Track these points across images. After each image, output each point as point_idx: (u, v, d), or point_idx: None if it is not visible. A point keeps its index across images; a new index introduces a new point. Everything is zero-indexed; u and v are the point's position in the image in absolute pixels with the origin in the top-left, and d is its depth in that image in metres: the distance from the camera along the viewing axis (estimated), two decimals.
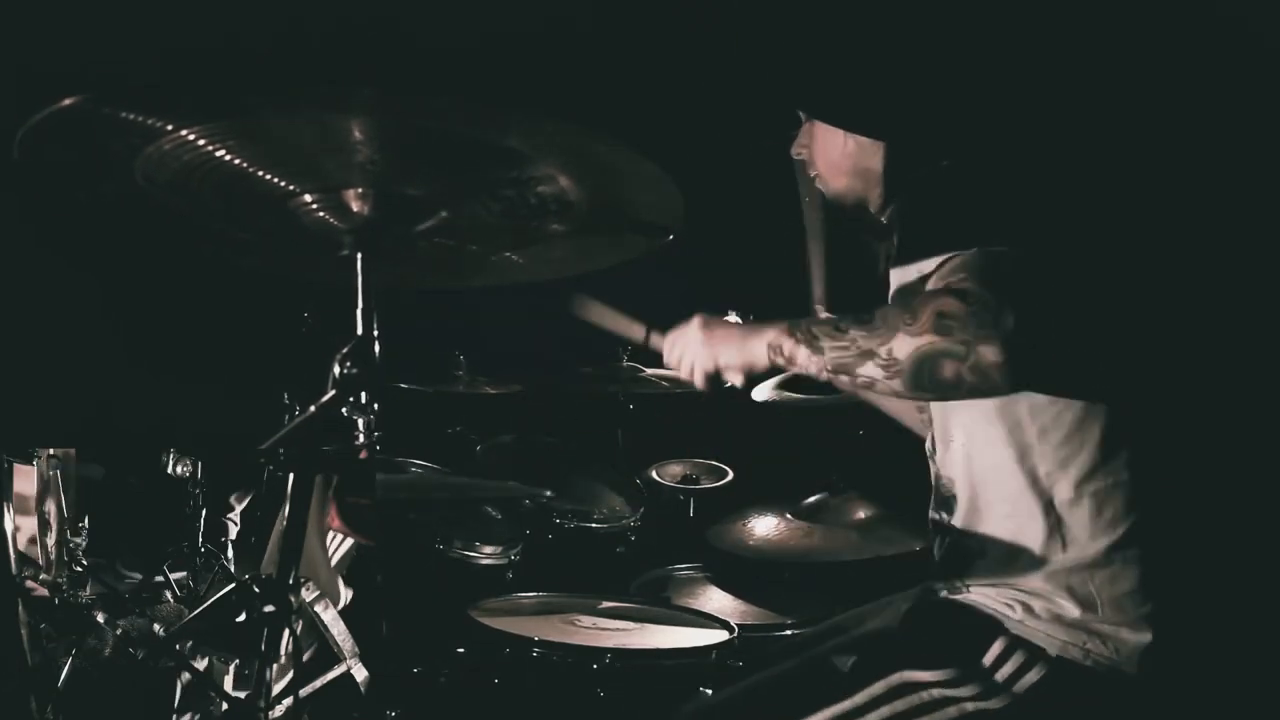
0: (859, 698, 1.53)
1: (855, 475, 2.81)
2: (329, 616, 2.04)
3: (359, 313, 1.34)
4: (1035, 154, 1.68)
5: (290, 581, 1.29)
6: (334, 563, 2.32)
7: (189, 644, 1.92)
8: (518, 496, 2.89)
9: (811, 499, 2.82)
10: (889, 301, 1.59)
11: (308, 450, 1.27)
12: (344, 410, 1.29)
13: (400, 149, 1.25)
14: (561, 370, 3.50)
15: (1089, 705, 1.50)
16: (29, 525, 2.55)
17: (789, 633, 2.44)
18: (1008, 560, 1.56)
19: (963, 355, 1.36)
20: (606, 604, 2.39)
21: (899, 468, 1.92)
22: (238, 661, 2.00)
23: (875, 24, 1.85)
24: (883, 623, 1.76)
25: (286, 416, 3.23)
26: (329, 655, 2.04)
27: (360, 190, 1.31)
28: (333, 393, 1.28)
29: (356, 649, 2.04)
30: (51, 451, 2.66)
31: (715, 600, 2.71)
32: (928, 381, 1.40)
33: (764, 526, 2.76)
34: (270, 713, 1.28)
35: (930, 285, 1.45)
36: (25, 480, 2.55)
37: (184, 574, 3.27)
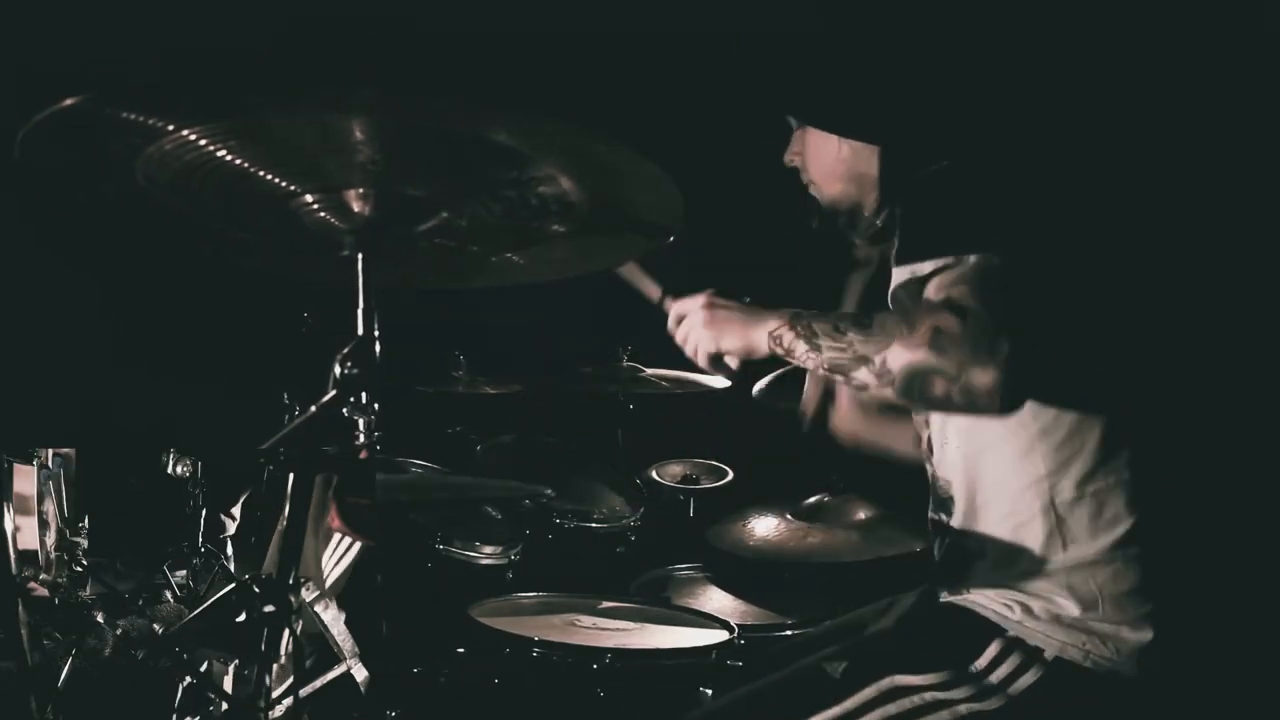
0: (850, 703, 1.52)
1: (855, 475, 2.81)
2: (329, 616, 2.04)
3: (359, 313, 1.34)
4: (1033, 153, 1.68)
5: (290, 581, 1.29)
6: (335, 563, 2.32)
7: (189, 644, 1.92)
8: (518, 495, 2.89)
9: (811, 499, 2.82)
10: (889, 301, 1.59)
11: (308, 450, 1.27)
12: (344, 410, 1.29)
13: (401, 149, 1.25)
14: (561, 370, 3.51)
15: (1087, 706, 1.50)
16: (29, 525, 2.55)
17: (789, 633, 2.44)
18: (1008, 561, 1.56)
19: (954, 376, 1.36)
20: (606, 604, 2.39)
21: (899, 468, 1.92)
22: (238, 662, 2.00)
23: (866, 27, 1.86)
24: (878, 626, 1.76)
25: (286, 416, 3.23)
26: (329, 655, 2.04)
27: (361, 190, 1.30)
28: (333, 393, 1.28)
29: (356, 649, 2.04)
30: (51, 451, 2.66)
31: (715, 600, 2.71)
32: (917, 395, 1.41)
33: (764, 526, 2.76)
34: (270, 713, 1.28)
35: (931, 291, 1.45)
36: (25, 480, 2.55)
37: (184, 574, 3.28)
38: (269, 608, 1.28)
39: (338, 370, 1.28)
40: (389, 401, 1.34)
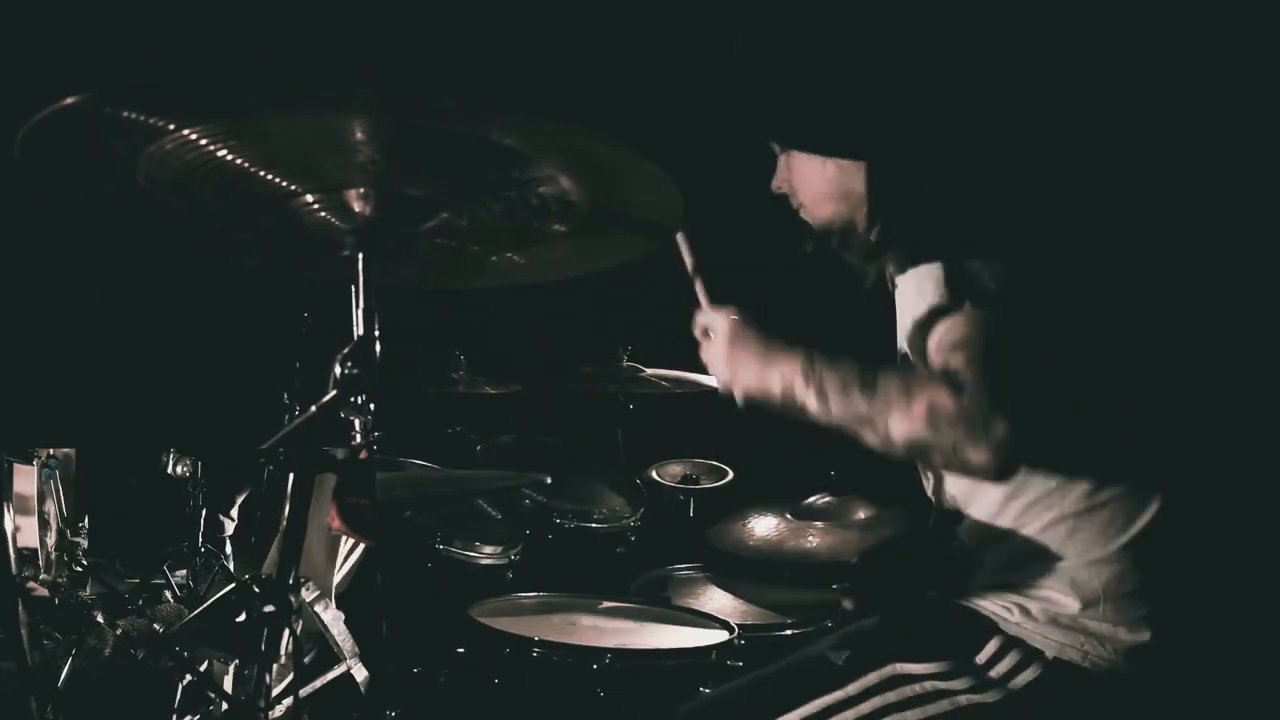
0: (851, 688, 1.53)
1: (855, 475, 2.81)
2: (329, 616, 2.04)
3: (359, 313, 1.33)
4: (1024, 154, 1.68)
5: (290, 581, 1.29)
6: (335, 563, 2.32)
7: (189, 644, 1.92)
8: (516, 485, 2.90)
9: (811, 499, 2.82)
10: (900, 341, 1.60)
11: (308, 450, 1.27)
12: (342, 412, 1.29)
13: (401, 149, 1.25)
14: (561, 370, 3.51)
15: (1085, 705, 1.50)
16: (29, 525, 2.55)
17: (789, 633, 2.45)
18: (1009, 564, 1.56)
19: (950, 452, 1.38)
20: (606, 604, 2.39)
21: (899, 468, 1.92)
22: (238, 662, 2.00)
23: (841, 45, 1.86)
24: (877, 620, 1.76)
25: (286, 416, 3.24)
26: (329, 655, 2.05)
27: (361, 190, 1.30)
28: (333, 393, 1.28)
29: (356, 649, 2.04)
30: (51, 451, 2.66)
31: (715, 600, 2.71)
32: (920, 460, 1.51)
33: (764, 526, 2.76)
34: (270, 713, 1.28)
35: (933, 347, 1.45)
36: (25, 480, 2.56)
37: (184, 574, 3.28)
38: (269, 608, 1.28)
39: (338, 370, 1.28)
40: (388, 401, 1.34)
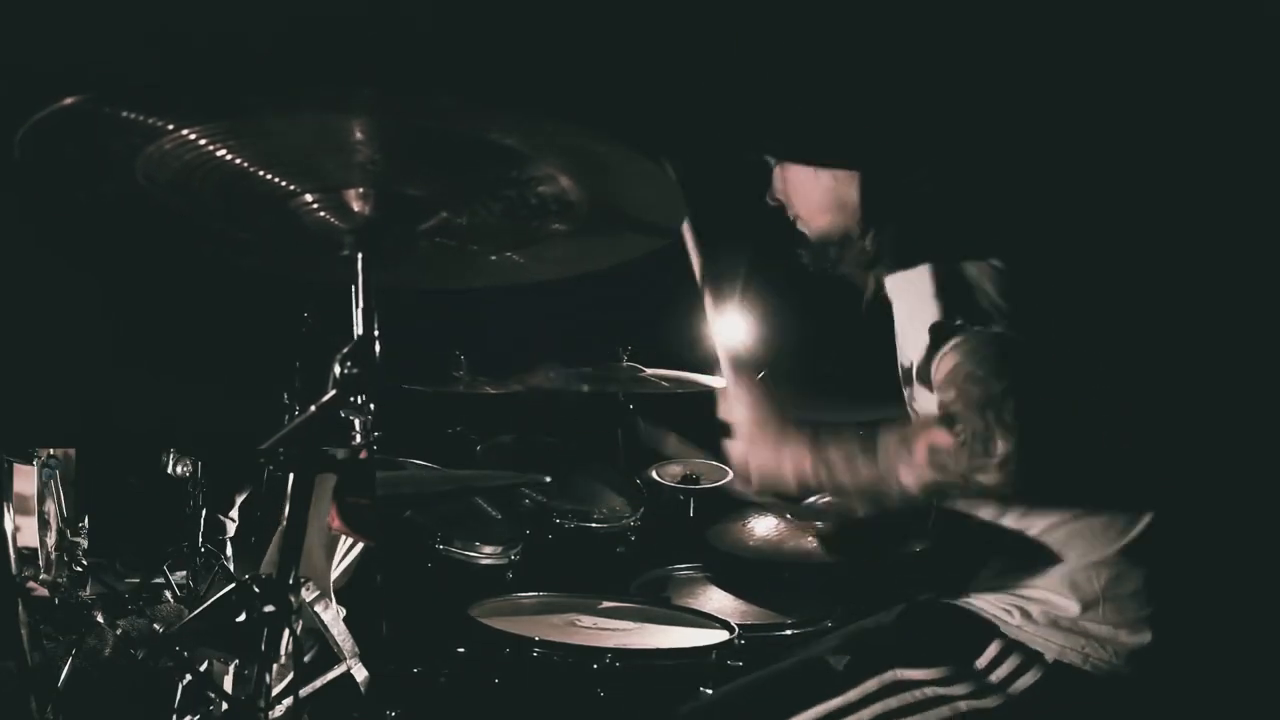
0: (852, 694, 1.53)
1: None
2: (329, 616, 2.04)
3: (359, 313, 1.33)
4: (1019, 160, 1.69)
5: (290, 581, 1.29)
6: (336, 563, 2.32)
7: (189, 644, 1.92)
8: (516, 485, 2.90)
9: (811, 499, 2.82)
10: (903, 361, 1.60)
11: (308, 450, 1.26)
12: (342, 411, 1.29)
13: (401, 149, 1.25)
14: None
15: (1086, 708, 1.50)
16: (29, 525, 2.55)
17: (789, 633, 2.45)
18: (1009, 566, 1.56)
19: (961, 485, 1.41)
20: (606, 604, 2.39)
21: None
22: (238, 662, 2.00)
23: (834, 54, 1.86)
24: (878, 621, 1.76)
25: (286, 416, 3.24)
26: (329, 655, 2.04)
27: (361, 190, 1.30)
28: (333, 393, 1.28)
29: (356, 649, 2.04)
30: (51, 451, 2.66)
31: (715, 600, 2.71)
32: (941, 499, 1.51)
33: (764, 526, 2.76)
34: (270, 713, 1.28)
35: (936, 378, 1.47)
36: (25, 480, 2.56)
37: (184, 574, 3.28)
38: (269, 608, 1.28)
39: (338, 370, 1.28)
40: (389, 401, 1.34)
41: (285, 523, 1.27)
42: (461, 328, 3.63)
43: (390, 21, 2.80)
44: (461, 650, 2.23)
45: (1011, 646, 1.51)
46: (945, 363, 1.44)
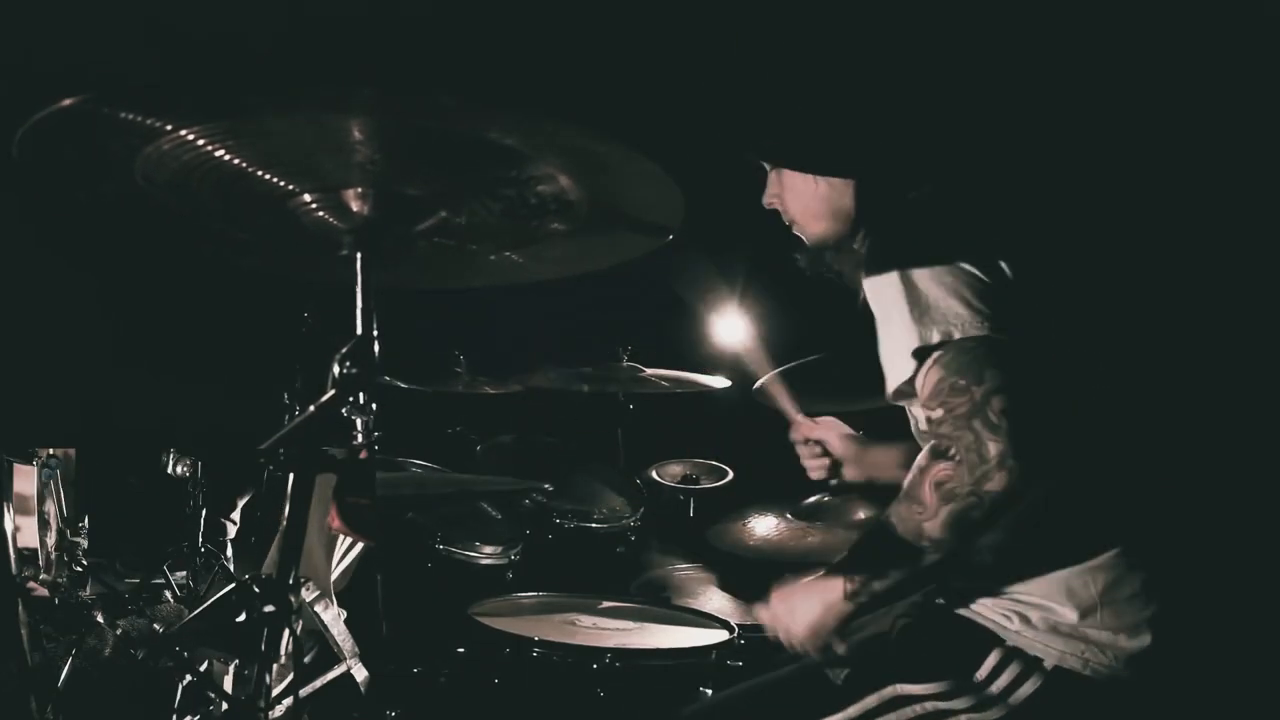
0: (852, 710, 1.53)
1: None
2: (329, 616, 2.04)
3: (359, 313, 1.33)
4: (1015, 167, 1.69)
5: (290, 581, 1.29)
6: (336, 563, 2.32)
7: (189, 644, 1.92)
8: (518, 490, 2.90)
9: (811, 499, 2.82)
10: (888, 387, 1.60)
11: (308, 450, 1.26)
12: (343, 410, 1.29)
13: (400, 149, 1.25)
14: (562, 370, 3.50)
15: (1088, 714, 1.49)
16: (29, 525, 2.55)
17: None
18: (1007, 572, 1.55)
19: (979, 503, 1.40)
20: (606, 604, 2.39)
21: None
22: (238, 662, 2.00)
23: (830, 64, 1.86)
24: (878, 628, 1.76)
25: (286, 416, 3.24)
26: (329, 655, 2.04)
27: (360, 190, 1.30)
28: (333, 393, 1.28)
29: (356, 649, 2.04)
30: (51, 451, 2.66)
31: (715, 600, 2.71)
32: (973, 533, 1.44)
33: (764, 526, 2.76)
34: (270, 713, 1.28)
35: (922, 396, 1.47)
36: (25, 480, 2.55)
37: (184, 574, 3.28)
38: (269, 608, 1.28)
39: (337, 370, 1.28)
40: (387, 401, 1.34)
41: (285, 523, 1.27)
42: (461, 328, 3.63)
43: (390, 21, 2.80)
44: (461, 650, 2.23)
45: (1011, 655, 1.50)
46: (930, 378, 1.44)
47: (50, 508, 2.61)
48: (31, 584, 2.41)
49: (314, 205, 1.32)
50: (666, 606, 2.46)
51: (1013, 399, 1.39)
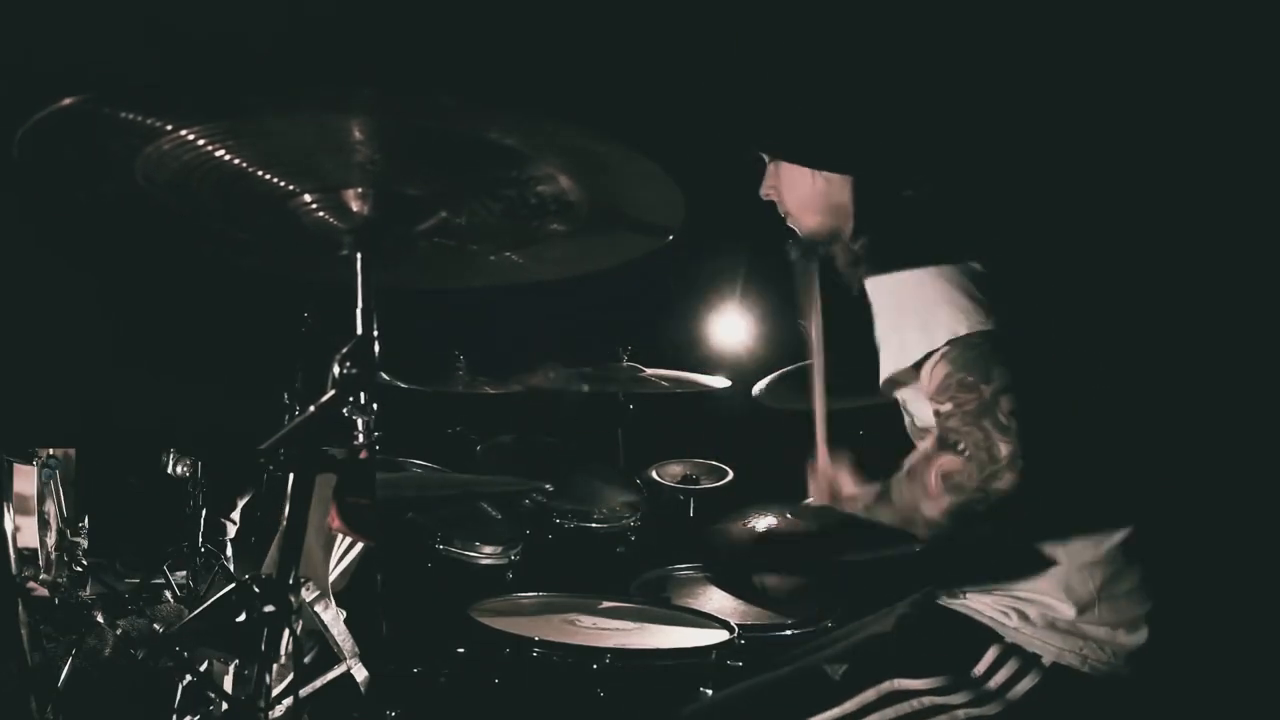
0: (850, 705, 1.53)
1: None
2: (329, 616, 2.04)
3: (359, 313, 1.34)
4: (1012, 167, 1.69)
5: (290, 581, 1.29)
6: (336, 563, 2.32)
7: (189, 644, 1.92)
8: (518, 490, 2.90)
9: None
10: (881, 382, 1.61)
11: (308, 450, 1.26)
12: (344, 410, 1.29)
13: (400, 149, 1.25)
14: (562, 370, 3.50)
15: (1085, 710, 1.50)
16: (29, 525, 2.55)
17: (789, 633, 2.44)
18: (1006, 565, 1.56)
19: (982, 500, 1.41)
20: (606, 604, 2.39)
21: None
22: (238, 662, 2.00)
23: (832, 59, 1.86)
24: (878, 628, 1.76)
25: (286, 416, 3.24)
26: (329, 655, 2.04)
27: (360, 190, 1.30)
28: (333, 393, 1.28)
29: (356, 649, 2.04)
30: (51, 451, 2.66)
31: (715, 600, 2.71)
32: (970, 527, 1.46)
33: (764, 526, 2.75)
34: (270, 713, 1.28)
35: (929, 390, 1.48)
36: (25, 480, 2.55)
37: (184, 574, 3.28)
38: (269, 608, 1.28)
39: (337, 370, 1.28)
40: (387, 401, 1.34)
41: (285, 523, 1.27)
42: (461, 328, 3.63)
43: (390, 21, 2.80)
44: (461, 650, 2.23)
45: (1010, 650, 1.50)
46: (937, 373, 1.45)
47: (50, 508, 2.61)
48: (31, 584, 2.41)
49: (314, 205, 1.32)
50: (666, 606, 2.46)
51: (1021, 399, 1.39)
